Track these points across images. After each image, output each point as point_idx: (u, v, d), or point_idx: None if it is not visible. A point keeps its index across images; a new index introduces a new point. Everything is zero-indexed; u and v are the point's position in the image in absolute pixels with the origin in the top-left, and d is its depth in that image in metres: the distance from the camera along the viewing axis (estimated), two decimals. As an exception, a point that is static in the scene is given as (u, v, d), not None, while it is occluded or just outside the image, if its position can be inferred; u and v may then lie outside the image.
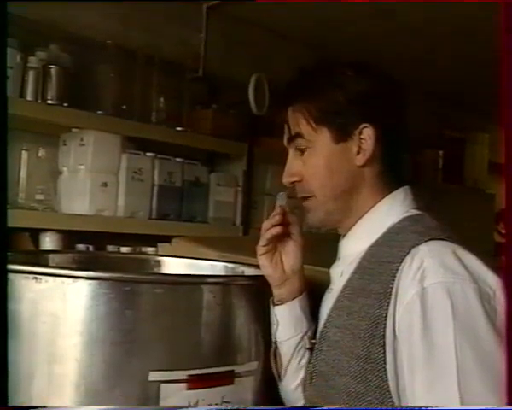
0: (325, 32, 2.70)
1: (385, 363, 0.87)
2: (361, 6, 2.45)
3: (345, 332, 0.94)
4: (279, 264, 1.09)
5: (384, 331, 0.88)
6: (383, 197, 1.02)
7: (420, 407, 0.82)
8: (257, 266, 1.33)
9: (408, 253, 0.89)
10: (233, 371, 1.04)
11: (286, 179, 1.06)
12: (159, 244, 1.89)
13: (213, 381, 1.01)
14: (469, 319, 0.82)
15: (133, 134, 2.21)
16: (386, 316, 0.88)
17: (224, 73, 2.67)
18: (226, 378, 1.02)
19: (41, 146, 2.08)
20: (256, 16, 2.65)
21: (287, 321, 1.08)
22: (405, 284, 0.87)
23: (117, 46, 2.19)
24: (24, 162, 2.03)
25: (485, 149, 4.20)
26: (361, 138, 1.00)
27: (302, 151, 1.03)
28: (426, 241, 0.90)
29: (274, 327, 1.09)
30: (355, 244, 1.03)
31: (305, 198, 1.05)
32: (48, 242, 1.97)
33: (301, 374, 1.08)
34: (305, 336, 1.08)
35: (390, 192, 1.03)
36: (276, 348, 1.09)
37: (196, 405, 0.98)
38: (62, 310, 0.98)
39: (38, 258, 1.41)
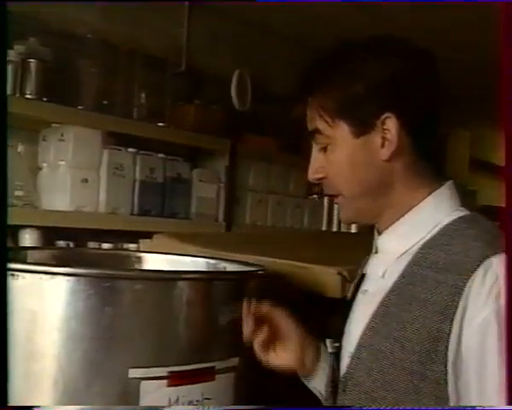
0: (308, 27, 2.69)
1: (446, 383, 0.82)
2: (346, 2, 2.45)
3: (394, 344, 0.87)
4: (285, 356, 1.05)
5: (447, 349, 0.81)
6: (430, 193, 0.94)
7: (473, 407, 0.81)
8: (239, 262, 1.33)
9: (479, 265, 0.82)
10: (214, 367, 1.03)
11: (311, 177, 0.98)
12: (140, 240, 1.87)
13: (194, 377, 1.00)
14: None
15: (114, 129, 2.19)
16: (449, 333, 0.81)
17: (206, 68, 2.66)
18: (207, 375, 1.02)
19: (20, 141, 2.05)
20: (239, 11, 2.64)
21: (321, 383, 1.06)
22: (478, 301, 0.81)
23: (98, 40, 2.17)
24: (3, 158, 2.00)
25: (466, 145, 4.25)
26: (384, 129, 0.91)
27: (323, 148, 0.95)
28: (498, 253, 0.82)
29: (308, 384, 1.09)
30: (397, 242, 0.94)
31: (334, 196, 0.98)
32: (27, 238, 1.95)
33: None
34: (326, 340, 1.03)
35: (430, 186, 0.94)
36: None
37: (177, 402, 0.98)
38: (41, 307, 0.97)
39: (17, 255, 1.39)
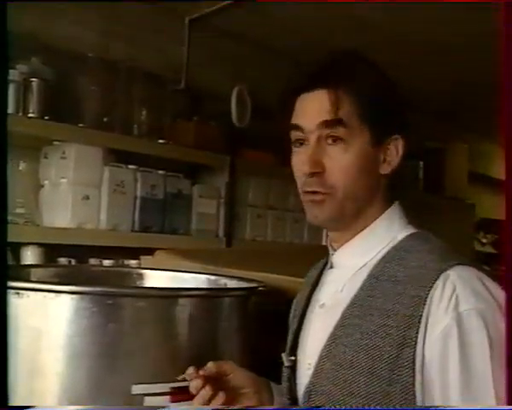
0: (307, 45, 2.72)
1: (413, 386, 0.85)
2: (344, 19, 2.48)
3: (359, 352, 0.89)
4: (245, 403, 0.99)
5: (414, 354, 0.85)
6: (384, 210, 1.00)
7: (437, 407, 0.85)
8: (239, 278, 1.34)
9: (437, 277, 0.87)
10: (216, 383, 1.04)
11: (309, 168, 0.94)
12: (141, 257, 1.88)
13: (197, 393, 1.01)
14: (500, 344, 0.81)
15: (115, 147, 2.21)
16: (416, 339, 0.85)
17: (205, 85, 2.68)
18: (209, 390, 1.02)
19: (22, 159, 2.06)
20: (238, 29, 2.67)
21: None
22: (439, 309, 0.86)
23: (98, 58, 2.19)
24: (5, 176, 2.01)
25: (464, 159, 4.26)
26: (387, 148, 0.97)
27: (333, 142, 0.95)
28: (453, 266, 0.89)
29: None
30: (354, 258, 0.99)
31: (321, 193, 0.96)
32: (29, 256, 1.96)
33: None
34: (282, 354, 1.04)
35: (385, 204, 1.01)
36: None
37: (179, 418, 0.98)
38: (45, 325, 0.97)
39: (19, 272, 1.40)
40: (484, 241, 4.71)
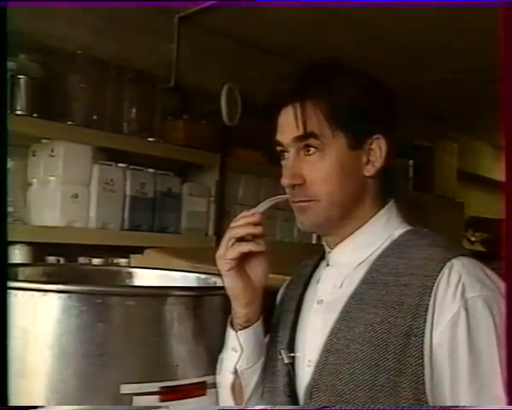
0: (297, 42, 2.72)
1: (423, 374, 0.85)
2: (333, 17, 2.48)
3: (364, 344, 0.89)
4: (248, 280, 0.99)
5: (422, 343, 0.86)
6: (381, 208, 1.01)
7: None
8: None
9: (443, 267, 0.89)
10: (205, 382, 1.04)
11: (288, 181, 0.98)
12: (131, 255, 1.88)
13: (186, 392, 1.01)
14: (503, 330, 0.81)
15: (104, 145, 2.20)
16: (424, 329, 0.86)
17: (195, 83, 2.67)
18: (198, 390, 1.02)
19: (10, 157, 2.04)
20: (228, 26, 2.66)
21: (252, 346, 1.00)
22: (447, 297, 0.87)
23: (88, 56, 2.18)
24: (-8, 174, 1.99)
25: (453, 158, 4.27)
26: (370, 149, 0.98)
27: (308, 152, 0.97)
28: (456, 256, 0.91)
29: (234, 355, 0.99)
30: (352, 254, 0.99)
31: (305, 201, 0.98)
32: (17, 254, 1.94)
33: (269, 397, 1.02)
34: (282, 351, 1.00)
35: (380, 202, 1.01)
36: (236, 378, 1.00)
37: (169, 417, 0.98)
38: (32, 324, 0.97)
39: (7, 271, 1.39)
40: (473, 239, 4.73)
